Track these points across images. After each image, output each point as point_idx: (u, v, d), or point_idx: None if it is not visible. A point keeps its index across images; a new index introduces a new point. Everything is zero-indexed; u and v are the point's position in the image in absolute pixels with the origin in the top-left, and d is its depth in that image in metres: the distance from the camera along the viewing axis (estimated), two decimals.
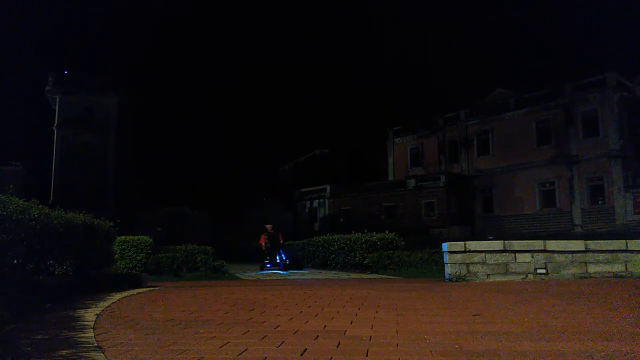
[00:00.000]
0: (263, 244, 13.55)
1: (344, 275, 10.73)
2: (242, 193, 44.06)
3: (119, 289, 5.68)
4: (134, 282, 6.47)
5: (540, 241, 6.80)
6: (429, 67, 78.36)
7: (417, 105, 74.54)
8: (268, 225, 14.10)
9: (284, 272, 11.98)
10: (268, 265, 12.97)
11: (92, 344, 2.42)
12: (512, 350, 2.13)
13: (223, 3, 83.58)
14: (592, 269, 6.60)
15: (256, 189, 45.02)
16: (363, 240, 12.35)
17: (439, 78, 76.30)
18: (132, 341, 2.51)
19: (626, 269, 6.56)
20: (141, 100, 38.95)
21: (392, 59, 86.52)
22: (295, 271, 12.47)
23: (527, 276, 6.55)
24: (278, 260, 13.06)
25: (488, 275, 6.59)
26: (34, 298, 3.81)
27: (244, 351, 2.19)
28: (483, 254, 6.64)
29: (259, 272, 12.42)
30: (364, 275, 10.55)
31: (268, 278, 10.52)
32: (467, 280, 6.51)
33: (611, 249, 6.66)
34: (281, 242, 13.83)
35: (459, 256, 6.68)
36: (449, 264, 6.74)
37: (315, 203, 38.66)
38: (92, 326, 2.97)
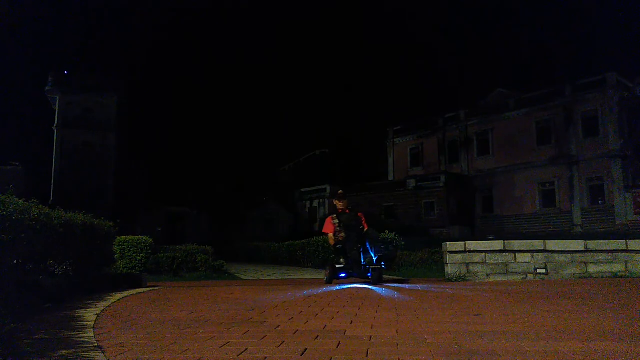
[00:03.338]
0: (331, 234, 7.01)
1: None
2: (243, 193, 44.06)
3: (119, 289, 5.69)
4: (134, 282, 6.47)
5: (540, 241, 6.81)
6: (429, 67, 78.32)
7: (417, 105, 74.54)
8: (339, 202, 7.14)
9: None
10: (342, 275, 6.72)
11: (92, 344, 2.42)
12: (512, 350, 2.13)
13: (223, 2, 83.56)
14: (592, 269, 6.60)
15: (256, 189, 45.02)
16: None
17: (439, 78, 76.27)
18: (132, 341, 2.51)
19: (626, 269, 6.57)
20: (142, 100, 38.98)
21: (393, 58, 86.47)
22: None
23: (527, 276, 6.56)
24: (364, 262, 6.52)
25: (488, 275, 6.59)
26: (34, 298, 3.81)
27: (244, 351, 2.19)
28: (483, 254, 6.64)
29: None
30: None
31: (268, 278, 10.48)
32: (467, 280, 6.51)
33: (611, 249, 6.66)
34: (365, 229, 6.90)
35: (459, 256, 6.69)
36: (449, 264, 6.74)
37: (315, 203, 38.65)
38: (92, 326, 2.97)
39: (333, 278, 6.79)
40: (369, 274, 6.31)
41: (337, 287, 5.95)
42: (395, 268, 11.15)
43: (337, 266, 6.67)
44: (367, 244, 6.52)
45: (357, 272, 6.51)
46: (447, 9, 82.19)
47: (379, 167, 40.60)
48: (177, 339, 2.54)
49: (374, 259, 6.37)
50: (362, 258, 6.51)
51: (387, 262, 6.96)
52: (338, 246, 6.81)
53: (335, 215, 7.08)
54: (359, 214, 7.17)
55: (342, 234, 6.84)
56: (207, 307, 4.09)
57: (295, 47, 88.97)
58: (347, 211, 7.14)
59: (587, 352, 2.07)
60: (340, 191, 7.40)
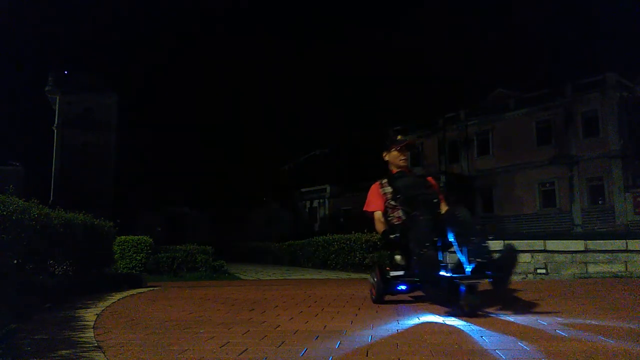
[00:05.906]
0: (379, 214, 3.81)
1: (344, 275, 10.71)
2: (243, 193, 44.10)
3: (119, 289, 5.68)
4: (134, 282, 6.47)
5: (540, 241, 6.81)
6: (429, 67, 78.38)
7: (417, 105, 74.59)
8: (397, 155, 3.95)
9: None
10: (402, 288, 3.63)
11: (92, 344, 2.42)
12: (512, 350, 2.13)
13: (224, 3, 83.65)
14: (592, 269, 6.60)
15: (256, 189, 45.06)
16: (363, 240, 12.34)
17: (439, 78, 76.33)
18: (132, 341, 2.51)
19: (626, 269, 6.57)
20: (142, 100, 39.05)
21: (392, 59, 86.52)
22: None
23: (527, 276, 6.56)
24: (448, 273, 3.18)
25: None
26: (34, 298, 3.81)
27: (244, 351, 2.19)
28: None
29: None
30: (364, 275, 10.54)
31: (268, 278, 10.47)
32: None
33: (611, 249, 6.66)
34: (442, 206, 3.60)
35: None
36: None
37: (315, 203, 38.70)
38: (92, 326, 2.97)
39: (385, 293, 3.77)
40: (462, 290, 3.06)
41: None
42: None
43: (392, 274, 3.64)
44: (451, 234, 3.32)
45: (433, 286, 3.49)
46: (447, 9, 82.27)
47: (379, 167, 40.59)
48: (177, 339, 2.54)
49: (467, 265, 3.17)
50: (444, 261, 3.48)
51: (500, 277, 3.16)
52: (393, 236, 3.67)
53: (386, 181, 3.95)
54: (429, 179, 4.03)
55: (400, 214, 3.78)
56: (207, 307, 4.09)
57: (295, 47, 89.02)
58: (409, 170, 4.09)
59: (588, 353, 2.07)
60: (399, 136, 4.33)
